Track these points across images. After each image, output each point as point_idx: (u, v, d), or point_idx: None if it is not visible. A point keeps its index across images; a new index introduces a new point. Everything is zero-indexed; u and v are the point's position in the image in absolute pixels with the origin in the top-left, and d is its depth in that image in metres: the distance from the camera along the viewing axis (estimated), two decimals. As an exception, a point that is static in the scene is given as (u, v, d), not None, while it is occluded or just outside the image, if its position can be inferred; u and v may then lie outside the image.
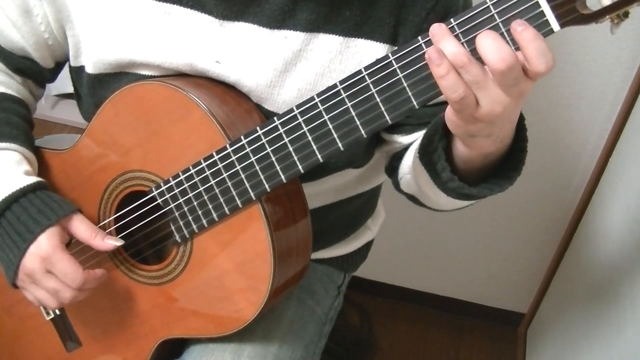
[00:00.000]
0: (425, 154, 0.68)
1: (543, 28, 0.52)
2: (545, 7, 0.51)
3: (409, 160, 0.76)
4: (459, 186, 0.65)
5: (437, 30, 0.53)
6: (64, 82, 0.85)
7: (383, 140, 0.80)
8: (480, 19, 0.53)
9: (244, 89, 0.71)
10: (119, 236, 0.76)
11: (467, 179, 0.65)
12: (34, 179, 0.72)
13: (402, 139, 0.77)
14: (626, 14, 0.51)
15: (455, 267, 1.55)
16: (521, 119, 0.61)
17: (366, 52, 0.69)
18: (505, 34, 0.53)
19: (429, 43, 0.55)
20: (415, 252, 1.55)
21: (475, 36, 0.53)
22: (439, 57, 0.53)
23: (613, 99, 1.17)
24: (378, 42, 0.69)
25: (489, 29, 0.53)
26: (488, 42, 0.51)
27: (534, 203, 1.38)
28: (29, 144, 0.76)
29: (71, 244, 0.74)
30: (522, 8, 0.52)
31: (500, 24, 0.52)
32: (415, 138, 0.76)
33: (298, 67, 0.69)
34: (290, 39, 0.68)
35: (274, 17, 0.68)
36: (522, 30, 0.50)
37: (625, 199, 1.06)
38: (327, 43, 0.69)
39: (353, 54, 0.69)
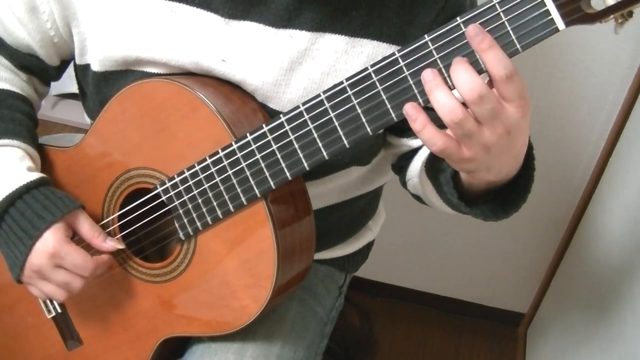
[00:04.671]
0: (432, 170, 0.70)
1: (548, 27, 0.52)
2: (551, 6, 0.52)
3: (416, 166, 0.77)
4: (457, 203, 0.66)
5: (430, 78, 0.54)
6: (64, 82, 0.85)
7: (391, 144, 0.81)
8: (486, 17, 0.53)
9: (249, 88, 0.71)
10: (122, 234, 0.76)
11: (471, 195, 0.66)
12: (37, 175, 0.72)
13: (412, 142, 0.78)
14: (630, 14, 0.51)
15: (455, 267, 1.55)
16: (530, 148, 0.61)
17: (372, 52, 0.69)
18: (510, 32, 0.53)
19: (434, 41, 0.55)
20: (415, 252, 1.55)
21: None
22: (415, 112, 0.55)
23: (613, 99, 1.18)
24: (385, 43, 0.69)
25: (495, 27, 0.53)
26: (460, 74, 0.53)
27: (533, 203, 1.38)
28: (32, 141, 0.76)
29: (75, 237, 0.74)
30: (527, 7, 0.52)
31: (506, 23, 0.53)
32: None
33: (304, 66, 0.69)
34: (296, 38, 0.68)
35: (279, 16, 0.68)
36: (479, 40, 0.52)
37: (625, 199, 1.07)
38: (333, 43, 0.69)
39: (359, 54, 0.69)
